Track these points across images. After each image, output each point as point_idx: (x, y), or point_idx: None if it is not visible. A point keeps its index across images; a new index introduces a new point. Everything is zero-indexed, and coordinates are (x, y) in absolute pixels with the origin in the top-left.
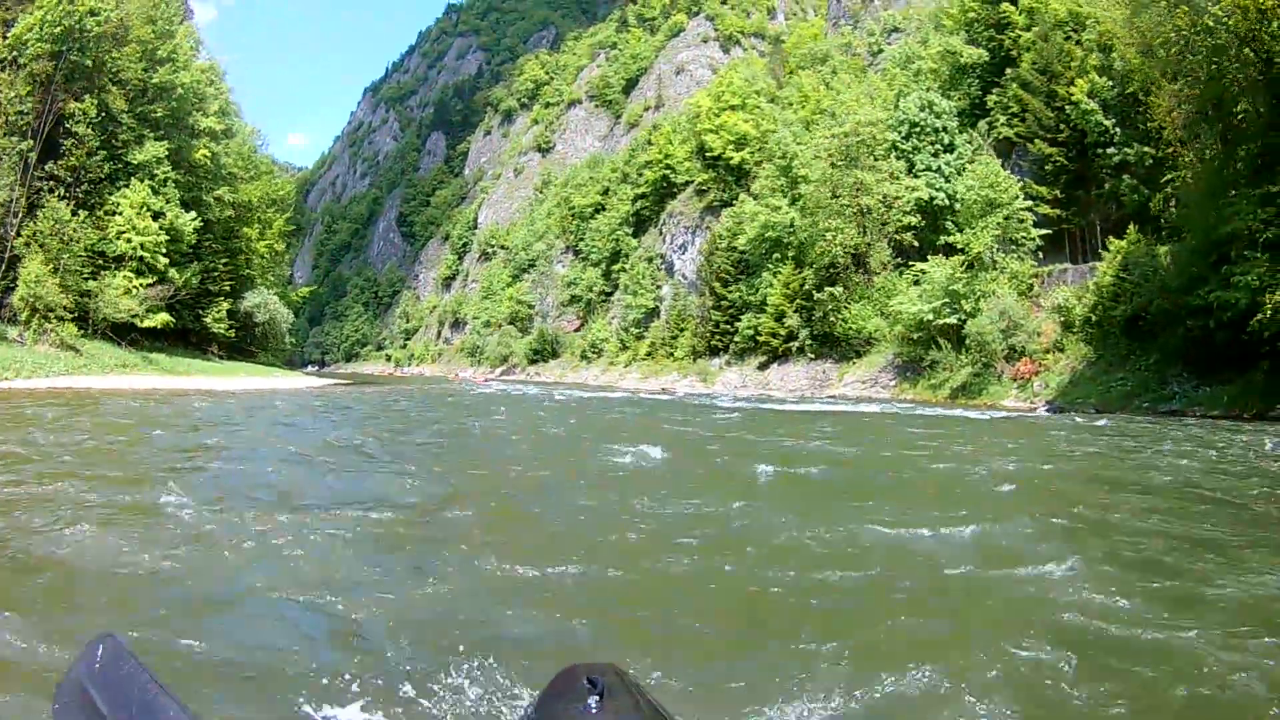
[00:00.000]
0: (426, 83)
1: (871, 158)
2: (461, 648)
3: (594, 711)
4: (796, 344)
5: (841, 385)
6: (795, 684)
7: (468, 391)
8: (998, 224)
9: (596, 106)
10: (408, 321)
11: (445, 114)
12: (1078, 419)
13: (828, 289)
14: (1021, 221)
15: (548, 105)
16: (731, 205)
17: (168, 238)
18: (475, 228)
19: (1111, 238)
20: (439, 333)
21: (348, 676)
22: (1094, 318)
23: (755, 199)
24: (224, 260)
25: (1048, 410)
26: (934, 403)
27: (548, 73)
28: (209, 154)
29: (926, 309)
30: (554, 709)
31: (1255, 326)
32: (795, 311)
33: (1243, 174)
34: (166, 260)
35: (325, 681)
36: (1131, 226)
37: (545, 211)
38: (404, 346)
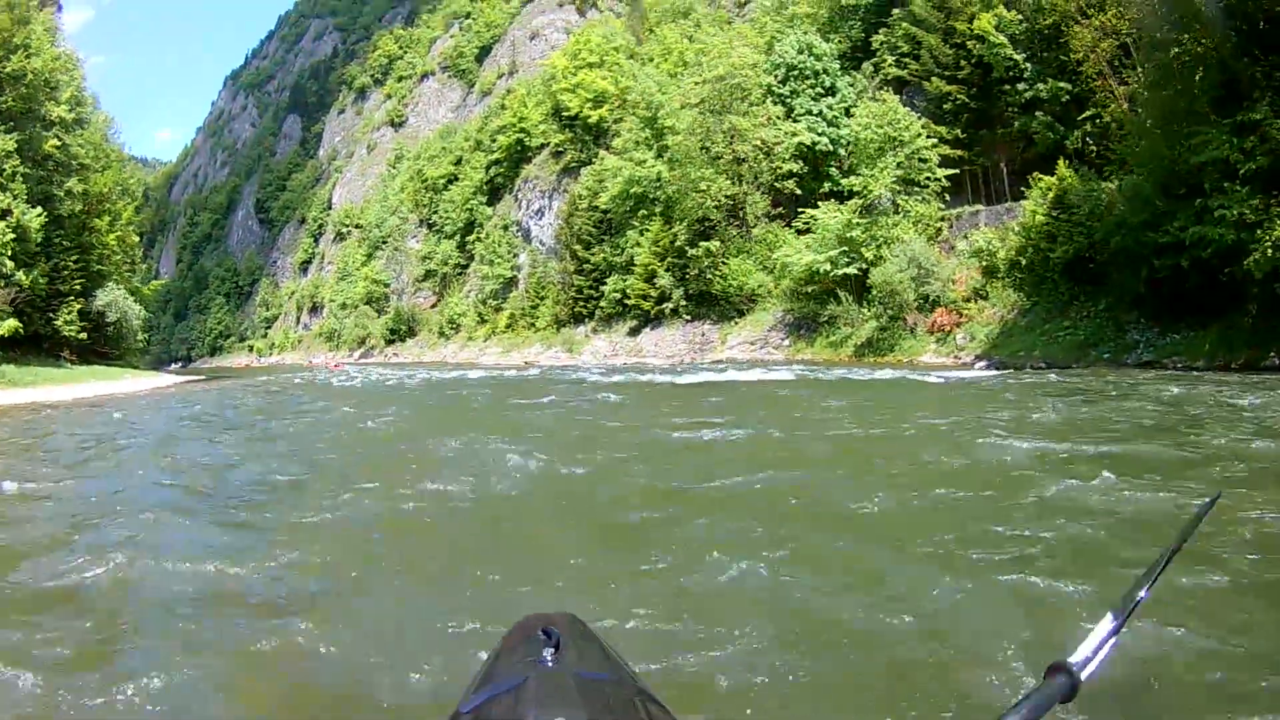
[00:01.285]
0: (284, 66)
1: (746, 103)
2: None
3: (550, 664)
4: (670, 305)
5: (726, 349)
6: None
7: (313, 381)
8: (898, 164)
9: (450, 77)
10: (267, 310)
11: (301, 96)
12: (1026, 377)
13: (702, 244)
14: (924, 161)
15: (400, 79)
16: (591, 165)
17: (13, 236)
18: (330, 208)
19: (1037, 174)
20: (298, 318)
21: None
22: (1023, 261)
23: (619, 155)
24: (74, 257)
25: (987, 366)
26: (837, 362)
27: (401, 47)
28: (58, 144)
29: (821, 259)
30: (510, 661)
31: (1250, 265)
32: (667, 270)
33: (1202, 103)
34: (13, 263)
35: None
36: (1061, 161)
37: (398, 186)
38: (265, 336)
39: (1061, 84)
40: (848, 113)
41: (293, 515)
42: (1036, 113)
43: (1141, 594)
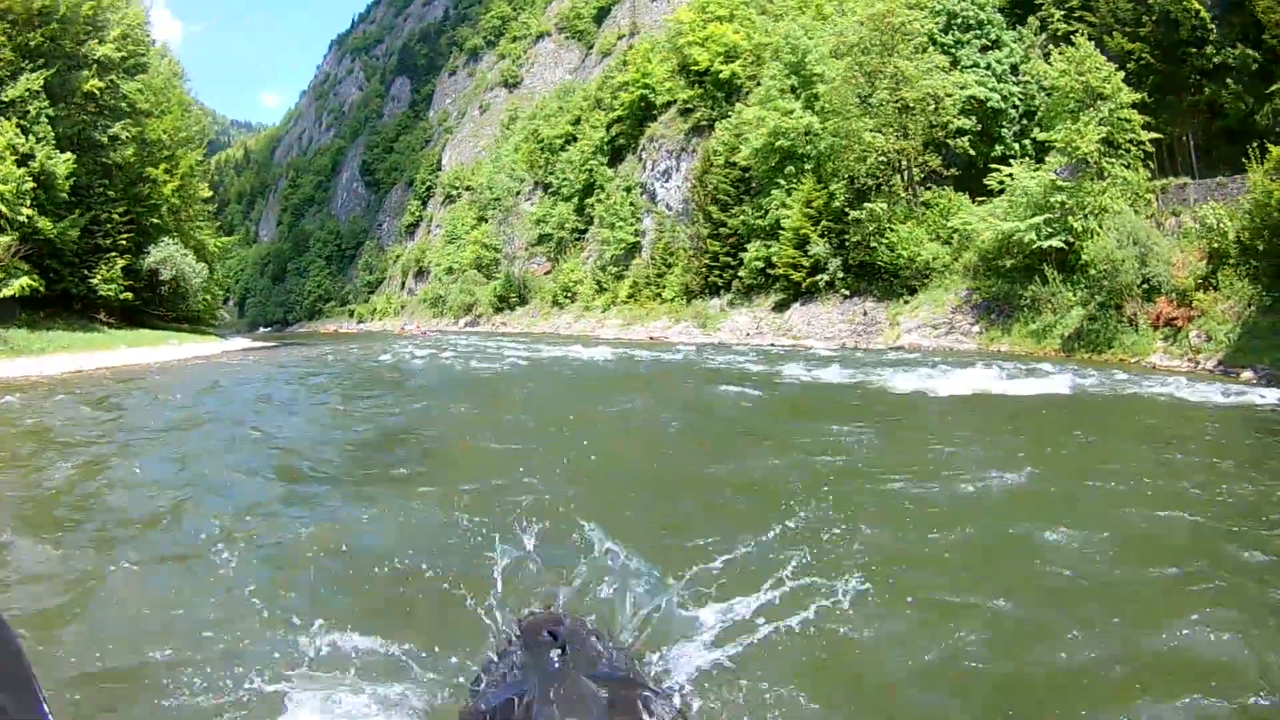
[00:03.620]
0: (393, 31)
1: (909, 47)
2: None
3: (556, 666)
4: (825, 277)
5: (901, 332)
6: None
7: (392, 354)
8: (1100, 120)
9: (566, 38)
10: (370, 274)
11: (410, 58)
12: None
13: (866, 206)
14: (1128, 122)
15: (515, 39)
16: (726, 119)
17: (34, 184)
18: (439, 170)
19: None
20: (403, 283)
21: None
22: (1260, 246)
23: (760, 105)
24: (121, 209)
25: (1259, 380)
26: (1044, 357)
27: (514, 8)
28: (102, 86)
29: (1024, 227)
30: (515, 662)
31: None
32: (821, 236)
33: None
34: (33, 211)
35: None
36: None
37: (512, 147)
38: (367, 301)
39: (1250, 51)
40: (1014, 70)
41: None
42: (1227, 79)
43: None
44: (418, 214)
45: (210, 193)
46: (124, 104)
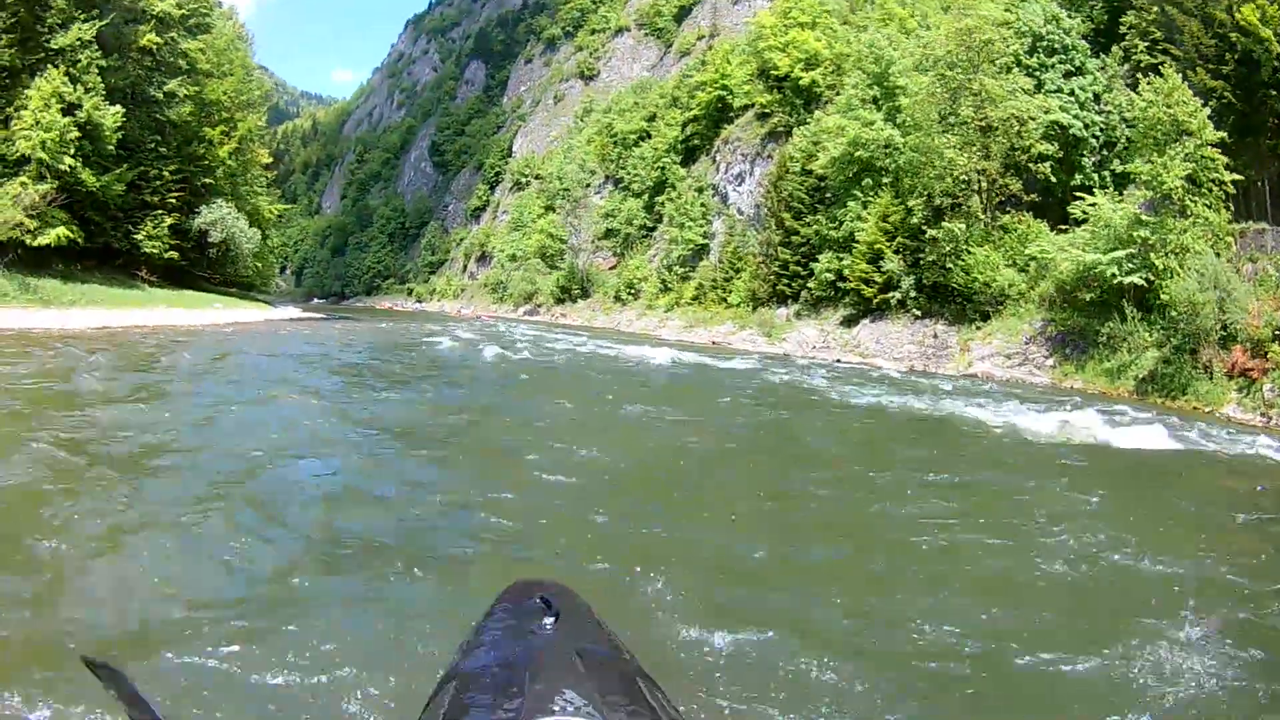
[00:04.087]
0: (470, 15)
1: (994, 66)
2: None
3: (550, 633)
4: (897, 295)
5: (973, 358)
6: None
7: (444, 336)
8: (1185, 155)
9: (646, 35)
10: (433, 254)
11: (486, 43)
12: None
13: (944, 225)
14: (1212, 161)
15: (594, 32)
16: (804, 125)
17: (79, 134)
18: (509, 156)
19: None
20: (464, 267)
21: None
22: None
23: (841, 113)
24: (173, 167)
25: None
26: (1117, 398)
27: (595, 1)
28: (157, 42)
29: (1105, 260)
30: (506, 626)
31: None
32: (896, 253)
33: None
34: (75, 160)
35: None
36: None
37: (585, 139)
38: (427, 281)
39: None
40: (1097, 99)
41: None
42: None
43: None
44: (485, 198)
45: (270, 159)
46: (183, 61)
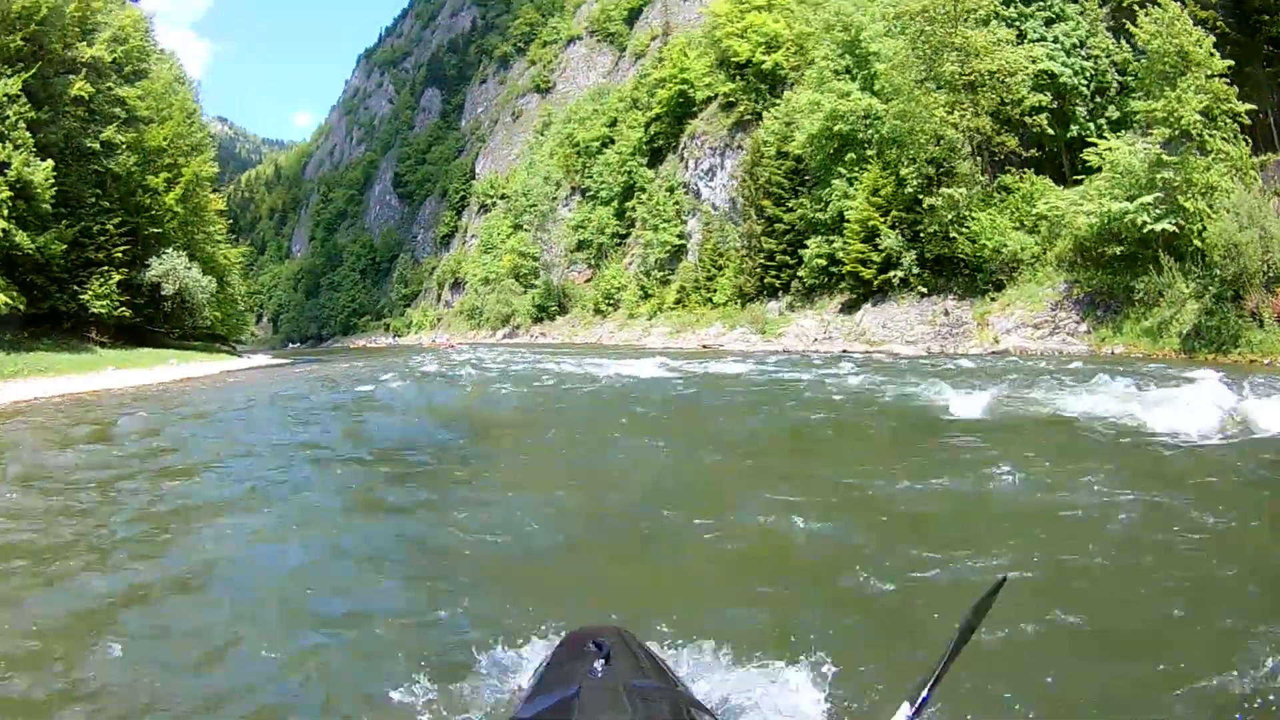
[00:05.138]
0: (420, 44)
1: (972, 19)
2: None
3: (599, 675)
4: (899, 274)
5: (998, 334)
6: None
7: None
8: (1196, 88)
9: (598, 41)
10: (406, 287)
11: (439, 69)
12: None
13: (942, 191)
14: (1223, 91)
15: (545, 44)
16: (775, 107)
17: (10, 193)
18: (473, 179)
19: None
20: (439, 296)
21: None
22: None
23: (814, 89)
24: (117, 220)
25: None
26: (1162, 358)
27: (543, 14)
28: (90, 91)
29: (1132, 207)
30: (561, 671)
31: None
32: (892, 228)
33: None
34: (8, 222)
35: None
36: None
37: (547, 152)
38: (403, 314)
39: None
40: (1081, 45)
41: None
42: None
43: (925, 693)
44: (452, 224)
45: (224, 204)
46: (120, 110)
